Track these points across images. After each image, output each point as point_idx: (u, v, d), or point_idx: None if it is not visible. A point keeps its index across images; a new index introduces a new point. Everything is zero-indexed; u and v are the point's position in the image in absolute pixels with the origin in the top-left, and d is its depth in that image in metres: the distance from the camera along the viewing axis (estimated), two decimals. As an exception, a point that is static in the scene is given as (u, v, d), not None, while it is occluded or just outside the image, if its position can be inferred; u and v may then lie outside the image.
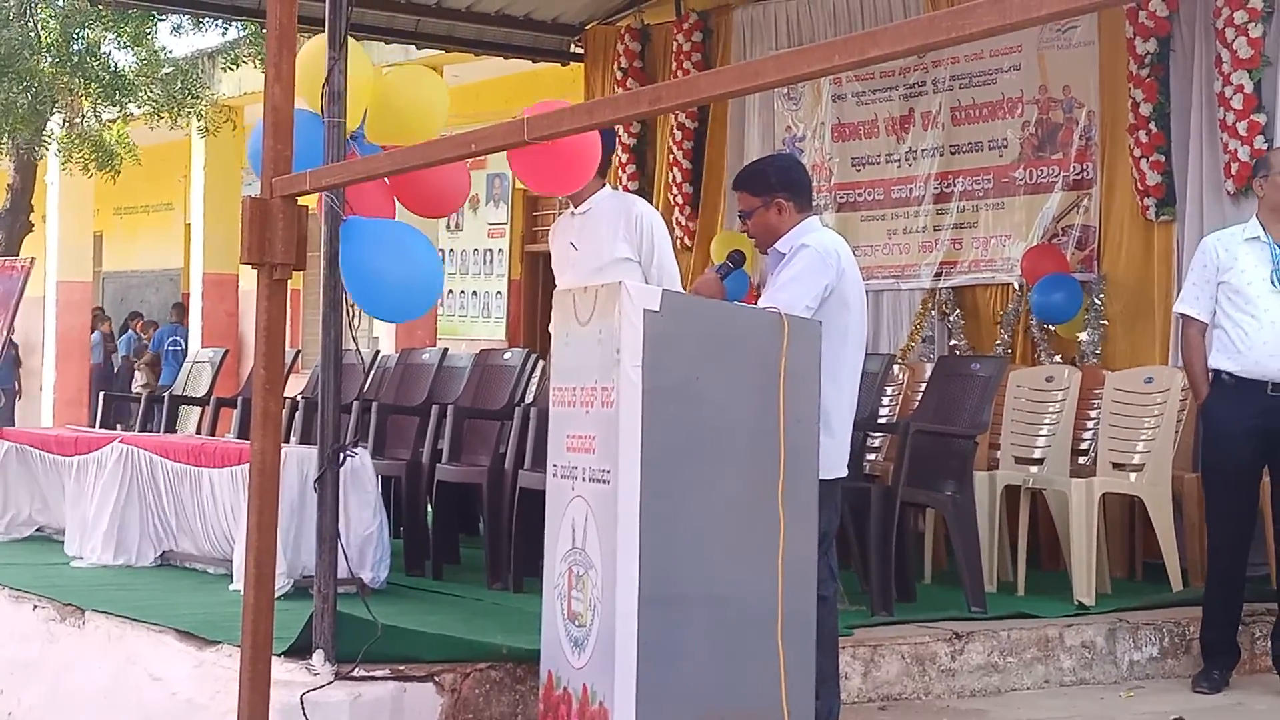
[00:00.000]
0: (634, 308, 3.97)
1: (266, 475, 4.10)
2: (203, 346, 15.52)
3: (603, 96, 9.89)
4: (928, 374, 7.20)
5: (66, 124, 15.92)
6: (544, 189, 5.56)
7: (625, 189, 10.14)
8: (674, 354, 4.03)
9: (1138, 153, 7.84)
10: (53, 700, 5.71)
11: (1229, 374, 5.72)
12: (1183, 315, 5.91)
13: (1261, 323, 5.66)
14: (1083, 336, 8.15)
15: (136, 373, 18.87)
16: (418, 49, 12.31)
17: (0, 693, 5.97)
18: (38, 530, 7.83)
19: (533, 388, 7.67)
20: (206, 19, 14.14)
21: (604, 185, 5.94)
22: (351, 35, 4.87)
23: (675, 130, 10.27)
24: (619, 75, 10.57)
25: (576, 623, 4.13)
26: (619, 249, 5.67)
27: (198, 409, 9.29)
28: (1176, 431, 6.84)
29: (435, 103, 5.80)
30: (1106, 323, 8.11)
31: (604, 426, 4.03)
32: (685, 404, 4.04)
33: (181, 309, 18.96)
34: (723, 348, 4.12)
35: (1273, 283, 5.68)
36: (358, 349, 5.08)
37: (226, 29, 14.91)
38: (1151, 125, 7.79)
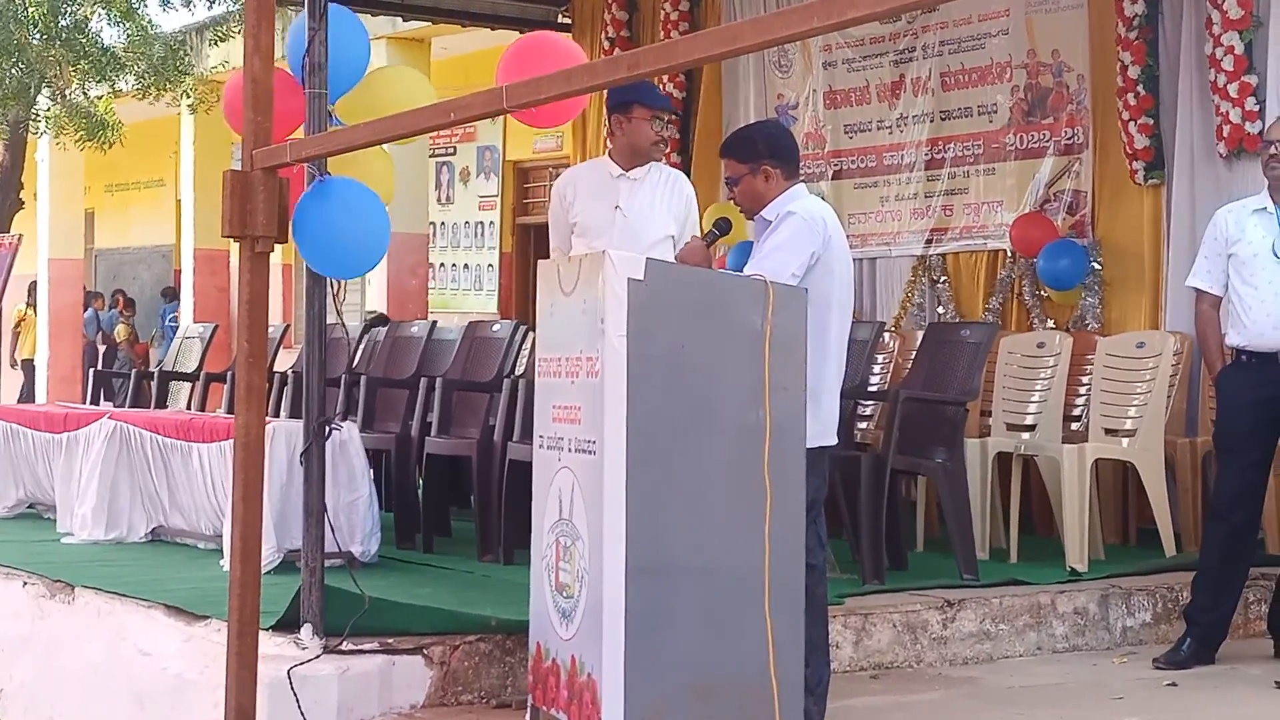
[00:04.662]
0: (618, 277, 3.94)
1: (251, 449, 4.08)
2: (194, 322, 15.50)
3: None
4: (919, 341, 7.17)
5: (56, 98, 15.81)
6: None
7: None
8: (659, 323, 4.00)
9: (1126, 116, 7.78)
10: (44, 676, 5.71)
11: (1241, 349, 5.66)
12: (1194, 289, 5.83)
13: (1263, 294, 5.57)
14: (1081, 301, 8.11)
15: (119, 352, 18.87)
16: (404, 20, 12.25)
17: (-9, 670, 5.97)
18: (29, 507, 7.82)
19: (523, 360, 7.65)
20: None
21: None
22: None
23: (662, 100, 10.20)
24: (606, 45, 10.50)
25: (564, 594, 4.11)
26: (668, 225, 5.60)
27: (188, 384, 9.27)
28: (1169, 397, 6.82)
29: (418, 100, 5.54)
30: (1103, 288, 8.05)
31: (589, 397, 4.00)
32: (671, 373, 4.02)
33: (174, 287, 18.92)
34: (708, 316, 4.09)
35: (1275, 253, 5.60)
36: (342, 322, 5.06)
37: (213, 3, 14.84)
38: (1140, 88, 7.72)
